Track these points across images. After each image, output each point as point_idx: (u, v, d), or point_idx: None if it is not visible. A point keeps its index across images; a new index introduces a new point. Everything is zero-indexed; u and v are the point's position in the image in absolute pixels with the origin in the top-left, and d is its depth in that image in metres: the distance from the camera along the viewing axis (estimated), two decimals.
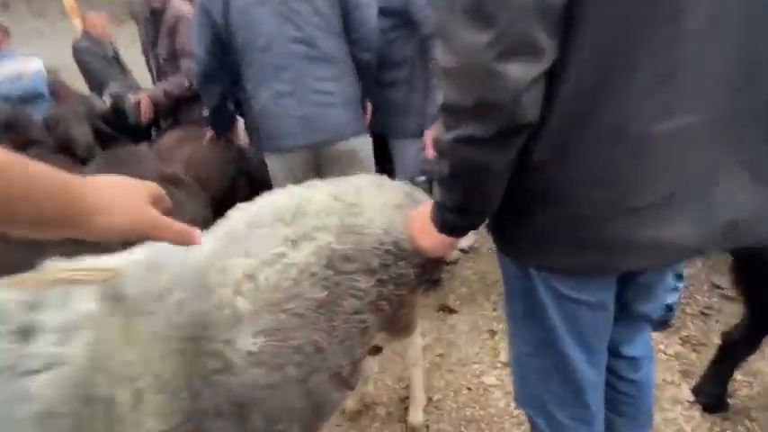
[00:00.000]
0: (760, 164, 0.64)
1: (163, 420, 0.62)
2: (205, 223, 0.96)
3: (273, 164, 1.76)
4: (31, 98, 1.96)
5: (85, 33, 2.60)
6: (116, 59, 2.62)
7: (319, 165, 1.73)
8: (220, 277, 0.77)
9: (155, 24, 2.29)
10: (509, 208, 0.75)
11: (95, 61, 2.55)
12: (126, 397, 0.60)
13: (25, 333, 0.55)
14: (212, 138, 2.03)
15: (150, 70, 2.46)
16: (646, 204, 0.63)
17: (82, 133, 1.81)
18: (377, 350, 1.69)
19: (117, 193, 0.51)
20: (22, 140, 1.68)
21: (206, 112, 1.97)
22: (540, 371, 0.87)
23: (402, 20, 1.83)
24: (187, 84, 2.19)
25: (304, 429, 0.85)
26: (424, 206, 0.90)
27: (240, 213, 0.97)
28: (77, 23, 2.91)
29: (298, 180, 1.82)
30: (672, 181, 0.63)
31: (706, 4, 0.56)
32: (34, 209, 0.42)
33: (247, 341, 0.74)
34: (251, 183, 2.03)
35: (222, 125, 2.01)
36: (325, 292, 0.88)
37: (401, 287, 1.05)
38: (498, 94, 0.57)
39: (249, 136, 2.26)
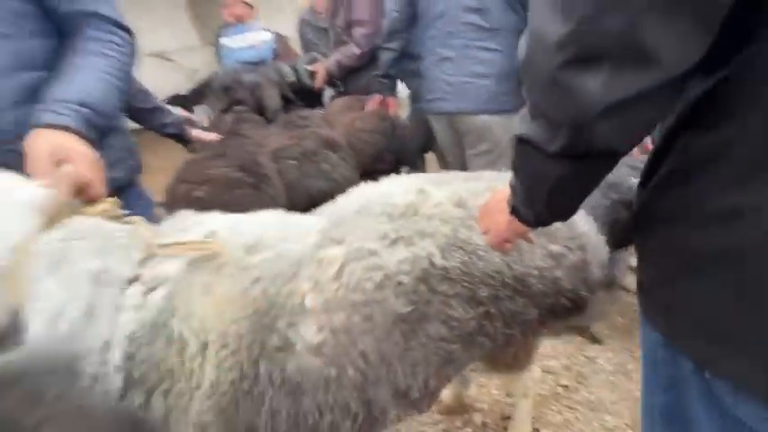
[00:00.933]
0: None
1: (220, 373, 0.68)
2: (351, 185, 0.99)
3: (434, 124, 1.91)
4: (257, 64, 2.33)
5: (310, 8, 2.91)
6: (326, 31, 2.85)
7: (459, 134, 1.80)
8: (307, 270, 0.76)
9: None
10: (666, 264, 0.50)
11: (309, 32, 2.86)
12: (194, 344, 0.67)
13: (129, 282, 0.66)
14: (373, 106, 2.15)
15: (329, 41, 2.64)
16: None
17: (271, 98, 2.11)
18: None
19: None
20: (231, 101, 2.06)
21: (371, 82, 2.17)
22: None
23: None
24: (357, 51, 2.30)
25: (357, 429, 0.82)
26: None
27: (356, 196, 0.92)
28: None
29: (451, 145, 1.83)
30: None
31: None
32: None
33: (310, 332, 0.72)
34: (397, 156, 2.12)
35: (388, 86, 2.14)
36: (410, 308, 0.77)
37: (513, 327, 0.86)
38: (562, 112, 0.42)
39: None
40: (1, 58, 0.80)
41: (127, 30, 0.92)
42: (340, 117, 2.09)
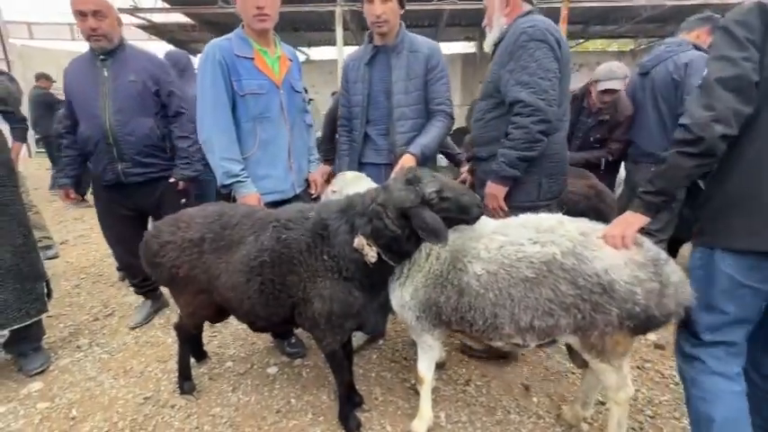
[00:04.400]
0: None
1: (414, 291, 1.57)
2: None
3: None
4: None
5: None
6: None
7: None
8: (485, 240, 1.53)
9: (602, 121, 3.15)
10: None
11: None
12: (424, 255, 1.55)
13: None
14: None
15: None
16: None
17: None
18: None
19: None
20: None
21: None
22: None
23: None
24: (611, 158, 3.16)
25: (483, 328, 1.52)
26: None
27: (525, 217, 1.63)
28: None
29: None
30: None
31: None
32: None
33: (478, 268, 1.48)
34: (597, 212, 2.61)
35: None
36: (533, 275, 1.43)
37: (596, 313, 1.38)
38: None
39: None
40: None
41: None
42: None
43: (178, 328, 2.05)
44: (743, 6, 1.23)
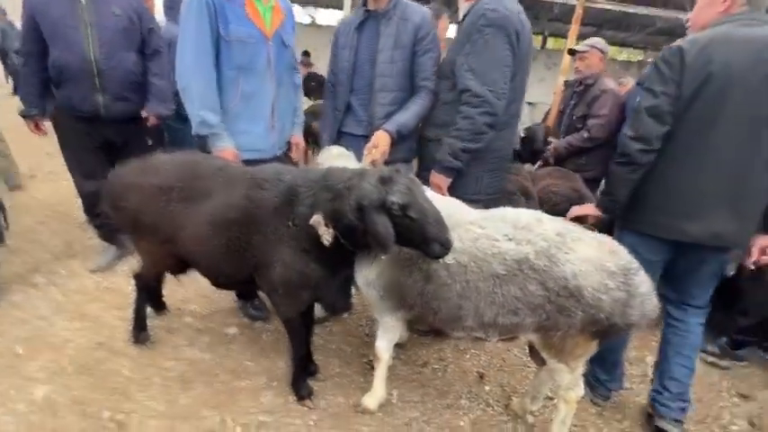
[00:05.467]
0: None
1: (381, 270, 1.57)
2: None
3: None
4: None
5: None
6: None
7: None
8: (460, 230, 1.49)
9: (581, 93, 3.26)
10: None
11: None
12: None
13: None
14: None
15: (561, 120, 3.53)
16: None
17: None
18: None
19: None
20: None
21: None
22: None
23: None
24: (586, 135, 3.13)
25: (442, 317, 1.52)
26: None
27: (506, 210, 1.60)
28: None
29: None
30: None
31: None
32: None
33: (449, 257, 1.44)
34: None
35: None
36: (504, 272, 1.42)
37: (561, 315, 1.38)
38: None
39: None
40: None
41: None
42: (541, 179, 2.81)
43: (137, 276, 1.99)
44: (671, 47, 1.58)
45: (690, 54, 1.52)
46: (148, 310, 2.18)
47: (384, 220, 1.31)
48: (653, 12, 9.14)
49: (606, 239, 1.46)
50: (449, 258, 1.45)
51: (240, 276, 1.65)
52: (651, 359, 2.29)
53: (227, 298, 2.56)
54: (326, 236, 1.41)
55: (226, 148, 1.89)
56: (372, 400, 1.82)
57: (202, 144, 1.93)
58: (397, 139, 1.98)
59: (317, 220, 1.41)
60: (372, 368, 1.91)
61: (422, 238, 1.33)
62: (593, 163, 3.22)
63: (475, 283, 1.44)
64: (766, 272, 2.21)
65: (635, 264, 1.41)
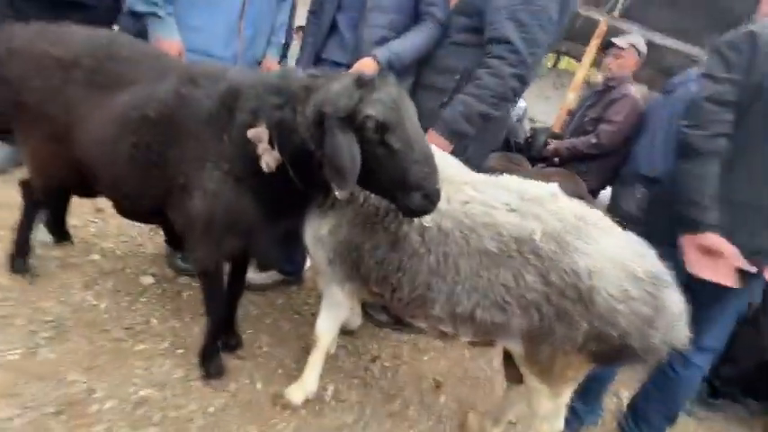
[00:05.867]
0: None
1: (335, 225, 1.18)
2: None
3: None
4: None
5: None
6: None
7: None
8: (450, 188, 1.11)
9: (601, 93, 2.92)
10: None
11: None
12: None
13: None
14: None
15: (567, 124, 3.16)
16: None
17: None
18: None
19: None
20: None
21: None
22: None
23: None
24: (594, 141, 2.79)
25: (408, 299, 1.16)
26: None
27: (512, 178, 1.23)
28: None
29: None
30: None
31: None
32: None
33: (427, 217, 1.06)
34: None
35: None
36: (495, 251, 1.05)
37: (559, 322, 1.03)
38: None
39: None
40: None
41: None
42: (544, 178, 2.57)
43: (23, 184, 1.53)
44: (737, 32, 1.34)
45: (763, 37, 1.25)
46: (46, 236, 1.73)
47: (350, 140, 0.91)
48: (663, 42, 8.88)
49: (636, 238, 1.11)
50: (427, 220, 1.07)
51: (147, 202, 1.23)
52: (627, 395, 1.99)
53: (157, 242, 2.11)
54: (268, 158, 1.01)
55: (169, 40, 1.45)
56: (298, 392, 1.42)
57: (141, 30, 1.48)
58: (387, 71, 1.57)
59: (257, 133, 1.00)
60: (308, 353, 1.52)
61: (400, 179, 0.94)
62: (594, 172, 2.88)
63: (455, 258, 1.07)
64: (760, 316, 2.02)
65: (668, 275, 1.06)
